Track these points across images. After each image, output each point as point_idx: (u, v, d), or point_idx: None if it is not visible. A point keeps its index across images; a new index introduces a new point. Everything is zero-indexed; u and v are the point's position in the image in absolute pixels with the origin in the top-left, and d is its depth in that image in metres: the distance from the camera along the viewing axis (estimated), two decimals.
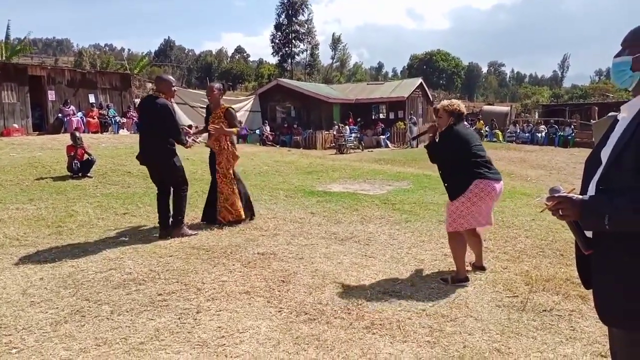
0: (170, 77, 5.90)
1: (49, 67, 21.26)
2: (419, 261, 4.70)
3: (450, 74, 74.96)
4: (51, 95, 18.90)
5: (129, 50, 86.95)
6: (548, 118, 30.21)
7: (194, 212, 6.57)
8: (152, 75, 32.14)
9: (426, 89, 30.39)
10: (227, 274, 4.24)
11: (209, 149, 6.10)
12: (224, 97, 6.09)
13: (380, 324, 3.30)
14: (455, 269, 4.18)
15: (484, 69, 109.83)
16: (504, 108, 35.20)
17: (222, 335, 3.13)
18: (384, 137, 24.65)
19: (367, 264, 4.58)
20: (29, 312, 3.43)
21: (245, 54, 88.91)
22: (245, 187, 6.25)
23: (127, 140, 14.22)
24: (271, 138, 23.38)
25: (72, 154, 8.91)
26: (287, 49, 57.16)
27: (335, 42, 72.56)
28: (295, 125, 25.01)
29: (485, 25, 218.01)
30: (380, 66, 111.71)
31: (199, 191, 7.57)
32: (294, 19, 56.56)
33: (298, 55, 59.20)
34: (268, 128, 24.22)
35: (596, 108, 27.98)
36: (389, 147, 23.99)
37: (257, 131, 23.61)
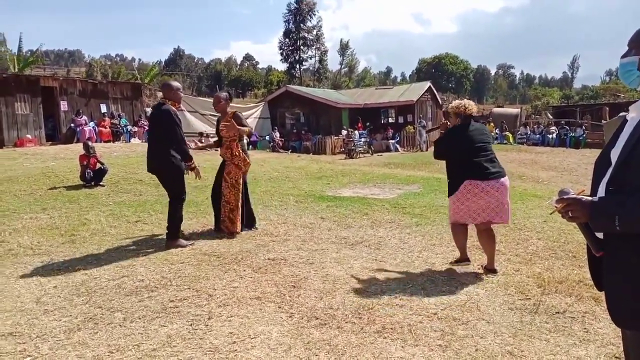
0: (175, 82, 5.91)
1: (61, 78, 21.59)
2: (429, 265, 4.69)
3: (459, 77, 74.77)
4: (63, 105, 19.18)
5: (139, 59, 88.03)
6: (559, 119, 29.95)
7: (205, 218, 6.61)
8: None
9: (435, 92, 30.25)
10: (238, 280, 4.26)
11: (220, 157, 6.12)
12: (231, 104, 6.10)
13: (392, 328, 3.29)
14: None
15: (493, 72, 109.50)
16: (514, 110, 35.00)
17: (233, 341, 3.14)
18: (393, 141, 24.60)
19: (378, 268, 4.58)
20: (42, 320, 3.47)
21: (254, 62, 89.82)
22: (249, 200, 6.14)
23: (139, 148, 14.35)
24: (281, 144, 23.45)
25: (85, 163, 9.01)
26: (295, 55, 57.41)
27: (344, 48, 72.92)
28: (304, 131, 25.06)
29: (492, 29, 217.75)
30: (389, 71, 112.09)
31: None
32: (302, 25, 56.81)
33: (306, 61, 59.47)
34: (278, 134, 24.28)
35: (607, 108, 27.70)
36: (398, 151, 23.93)
37: (267, 137, 23.70)
